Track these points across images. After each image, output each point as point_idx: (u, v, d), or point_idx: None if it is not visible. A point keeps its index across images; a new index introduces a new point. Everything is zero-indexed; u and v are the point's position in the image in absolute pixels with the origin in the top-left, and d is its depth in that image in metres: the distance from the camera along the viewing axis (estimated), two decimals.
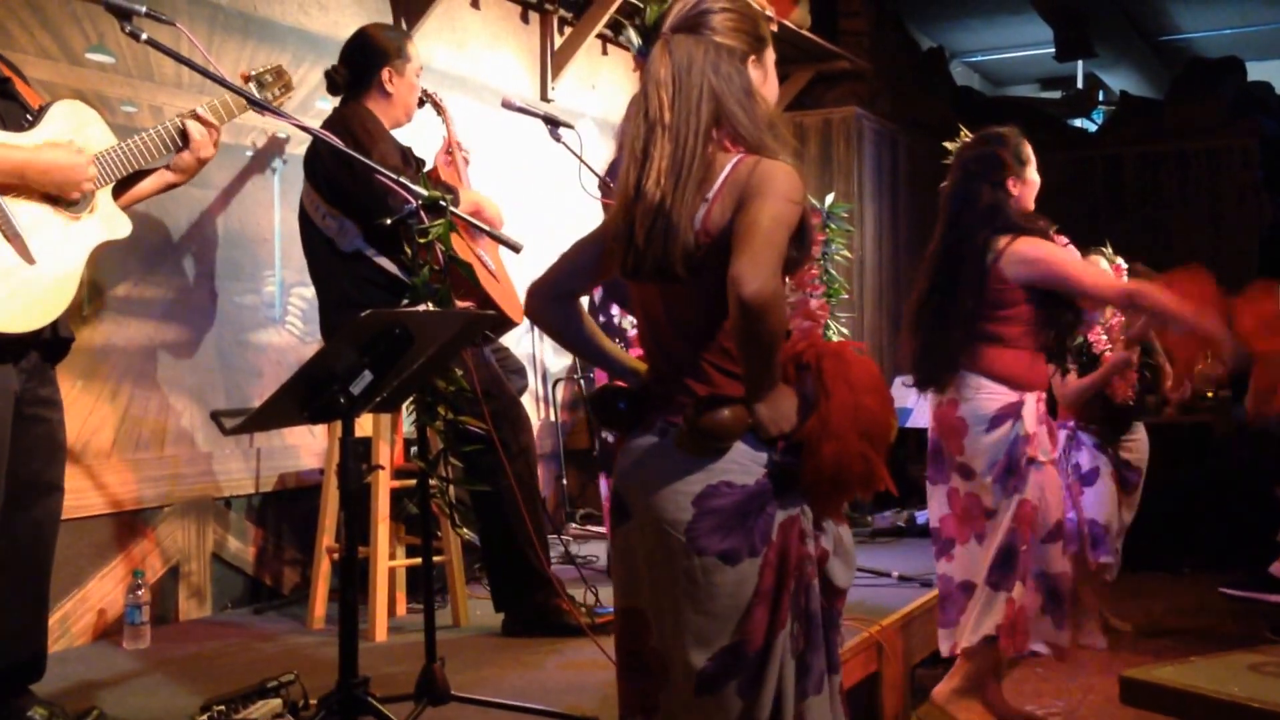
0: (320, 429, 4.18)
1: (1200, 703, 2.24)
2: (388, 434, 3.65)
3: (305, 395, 2.40)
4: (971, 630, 3.53)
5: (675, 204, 1.90)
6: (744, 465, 1.92)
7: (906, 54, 8.73)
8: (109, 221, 2.83)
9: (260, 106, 2.92)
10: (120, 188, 2.91)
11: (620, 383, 2.14)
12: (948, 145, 3.78)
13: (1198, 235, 8.58)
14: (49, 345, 2.77)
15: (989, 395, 3.49)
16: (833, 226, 4.60)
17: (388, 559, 3.66)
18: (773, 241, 1.84)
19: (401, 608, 4.00)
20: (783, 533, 1.92)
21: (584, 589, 3.65)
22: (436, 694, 2.73)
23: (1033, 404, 3.52)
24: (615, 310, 4.10)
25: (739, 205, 1.89)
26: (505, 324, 3.88)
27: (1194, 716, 2.28)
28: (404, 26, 4.74)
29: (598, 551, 4.81)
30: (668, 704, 1.99)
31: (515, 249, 2.91)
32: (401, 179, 2.85)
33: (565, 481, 5.61)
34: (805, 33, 6.84)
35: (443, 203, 2.81)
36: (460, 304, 3.29)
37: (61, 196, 2.70)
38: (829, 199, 4.68)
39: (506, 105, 3.80)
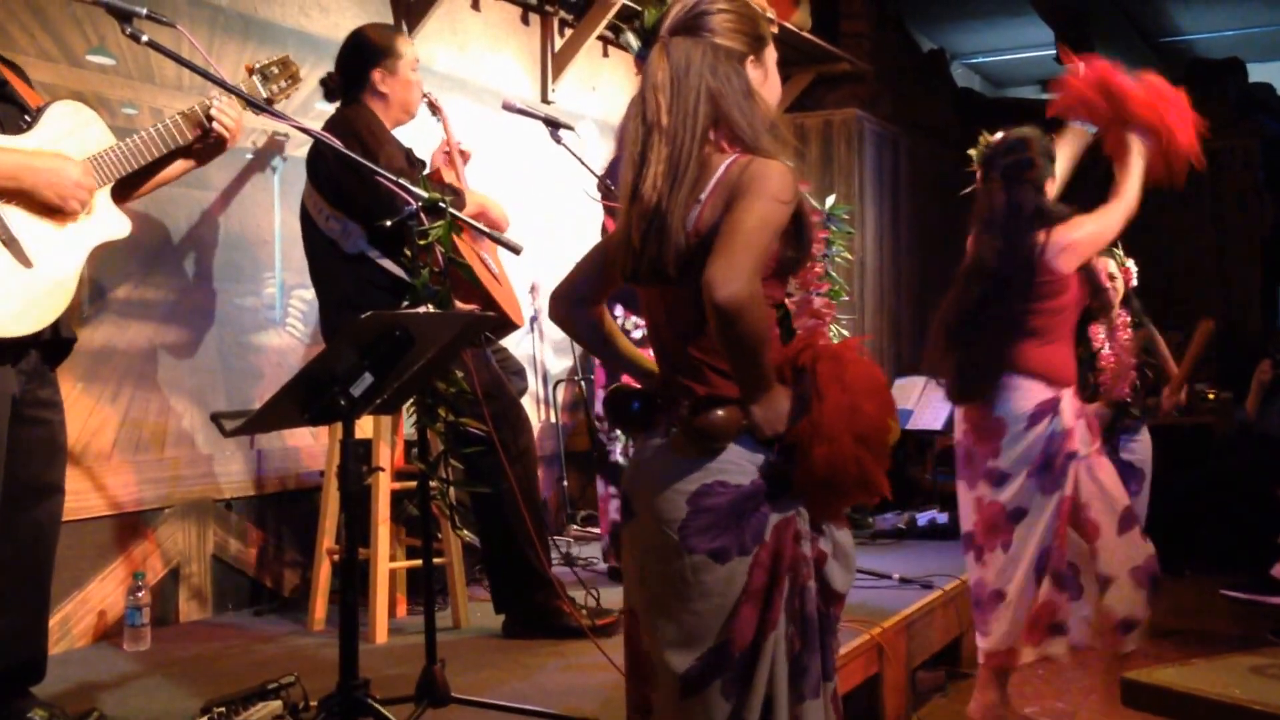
0: (321, 431, 4.18)
1: (1201, 705, 2.24)
2: (388, 436, 3.65)
3: (306, 397, 2.40)
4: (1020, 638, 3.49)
5: (670, 206, 1.90)
6: (740, 465, 1.92)
7: (907, 56, 8.73)
8: (107, 222, 2.83)
9: (260, 109, 2.92)
10: (139, 178, 2.91)
11: (633, 383, 2.14)
12: (970, 152, 3.78)
13: (1199, 237, 8.58)
14: (49, 347, 2.77)
15: (1026, 393, 3.47)
16: (833, 228, 4.60)
17: (388, 561, 3.66)
18: (753, 244, 1.83)
19: (402, 609, 4.01)
20: (777, 534, 1.92)
21: (584, 591, 3.66)
22: (437, 696, 2.73)
23: (1069, 398, 3.51)
24: (620, 312, 4.10)
25: (727, 205, 1.88)
26: (507, 326, 3.88)
27: (1195, 719, 2.28)
28: (404, 29, 4.74)
29: (598, 553, 4.81)
30: (658, 705, 1.99)
31: (515, 251, 2.91)
32: (403, 181, 2.85)
33: (566, 483, 5.61)
34: (806, 34, 6.84)
35: (443, 204, 2.81)
36: (463, 306, 3.29)
37: (60, 209, 2.69)
38: (830, 200, 4.68)
39: (507, 107, 3.80)
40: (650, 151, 1.93)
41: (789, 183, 1.89)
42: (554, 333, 5.58)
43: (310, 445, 4.37)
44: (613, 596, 3.53)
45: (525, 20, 5.68)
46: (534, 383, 5.39)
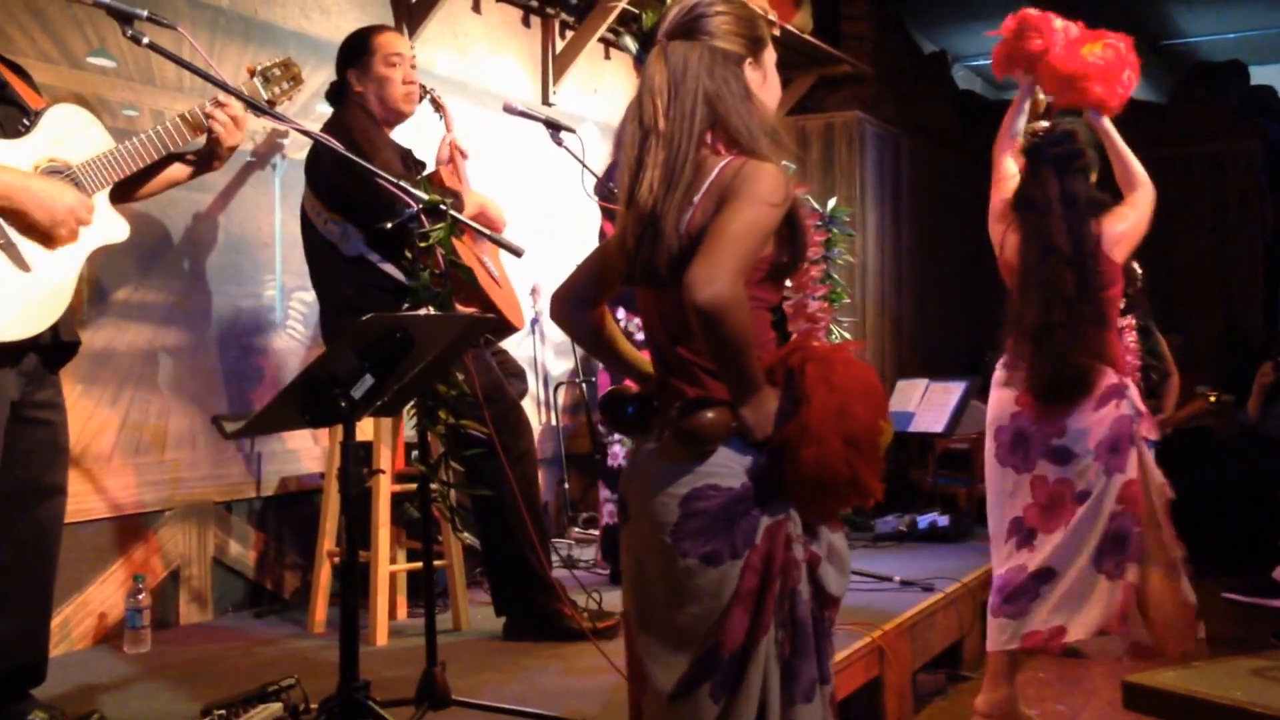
0: (321, 433, 4.18)
1: (1203, 708, 2.23)
2: (389, 438, 3.65)
3: (306, 399, 2.40)
4: (1080, 622, 3.48)
5: (665, 209, 1.90)
6: (730, 468, 1.91)
7: (909, 58, 8.73)
8: (105, 225, 2.83)
9: (261, 111, 2.92)
10: (138, 181, 2.91)
11: (632, 386, 2.13)
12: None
13: (1201, 240, 8.58)
14: (49, 350, 2.77)
15: (1097, 374, 3.51)
16: (835, 230, 4.60)
17: (388, 563, 3.66)
18: (737, 246, 1.83)
19: (402, 612, 4.01)
20: (768, 536, 1.91)
21: (585, 594, 3.65)
22: (437, 698, 2.73)
23: (1133, 387, 3.57)
24: (622, 315, 4.10)
25: (718, 207, 1.88)
26: (507, 328, 3.88)
27: None
28: (405, 31, 4.74)
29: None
30: (647, 708, 1.98)
31: (516, 253, 2.91)
32: (402, 183, 2.85)
33: (567, 486, 5.61)
34: (807, 37, 6.84)
35: (443, 206, 2.81)
36: (463, 309, 3.29)
37: (50, 234, 2.67)
38: (831, 203, 4.68)
39: (508, 109, 3.79)
40: (647, 155, 1.93)
41: (780, 185, 1.89)
42: (555, 335, 5.58)
43: (311, 448, 4.37)
44: (614, 599, 3.53)
45: (526, 22, 5.69)
46: (535, 385, 5.38)
